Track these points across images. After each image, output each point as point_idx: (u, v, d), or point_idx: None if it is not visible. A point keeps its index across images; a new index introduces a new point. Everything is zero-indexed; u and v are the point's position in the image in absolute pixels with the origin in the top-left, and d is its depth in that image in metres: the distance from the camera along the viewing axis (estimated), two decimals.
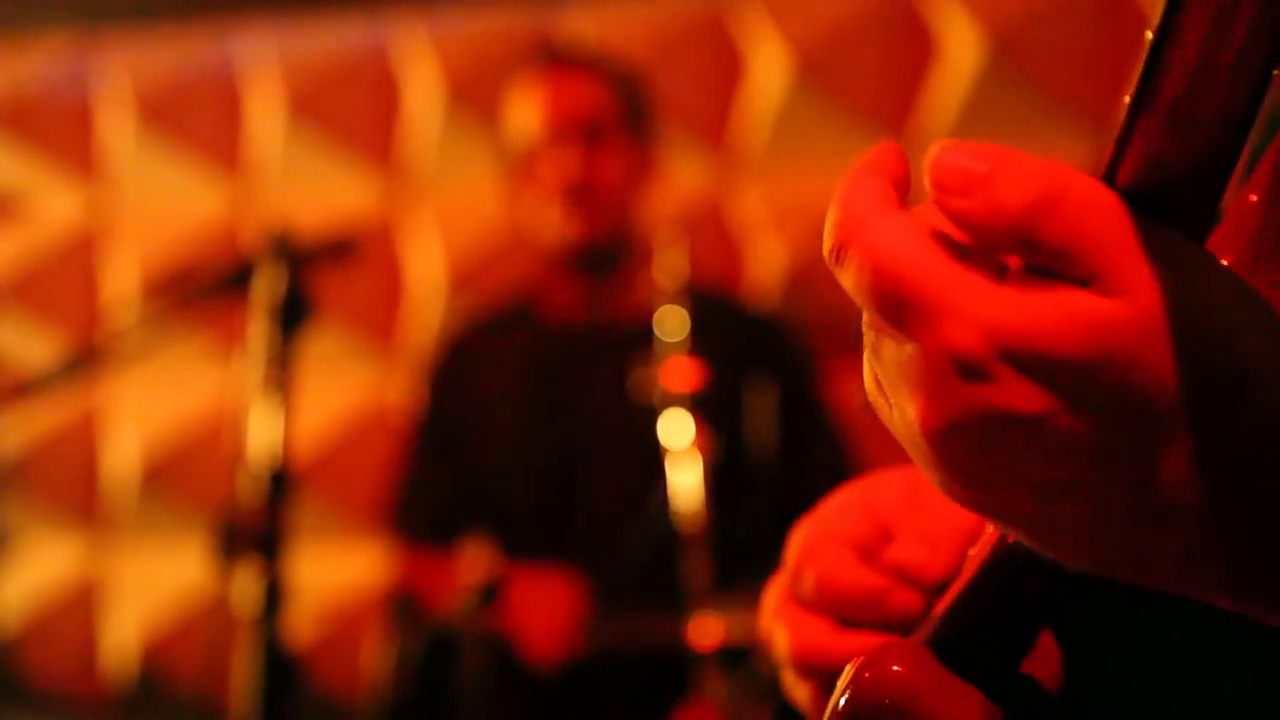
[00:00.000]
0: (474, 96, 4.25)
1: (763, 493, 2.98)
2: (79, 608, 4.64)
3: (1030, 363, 0.59)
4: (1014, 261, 0.62)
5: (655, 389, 2.78)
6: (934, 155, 0.62)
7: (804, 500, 0.97)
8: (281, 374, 2.53)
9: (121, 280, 4.61)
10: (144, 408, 4.59)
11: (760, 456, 3.01)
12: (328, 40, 4.44)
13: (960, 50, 3.80)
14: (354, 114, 4.43)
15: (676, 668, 2.75)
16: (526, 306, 3.28)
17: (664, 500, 2.74)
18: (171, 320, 3.05)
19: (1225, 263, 0.67)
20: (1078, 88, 3.67)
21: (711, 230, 3.99)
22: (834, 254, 0.64)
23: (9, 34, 4.74)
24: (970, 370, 0.60)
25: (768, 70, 3.98)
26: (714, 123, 4.03)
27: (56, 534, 4.69)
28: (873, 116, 3.88)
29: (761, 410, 3.02)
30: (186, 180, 4.57)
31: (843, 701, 0.71)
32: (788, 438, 3.02)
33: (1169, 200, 0.60)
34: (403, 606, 3.15)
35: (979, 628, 0.72)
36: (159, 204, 4.60)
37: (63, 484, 4.70)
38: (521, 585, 2.94)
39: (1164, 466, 0.60)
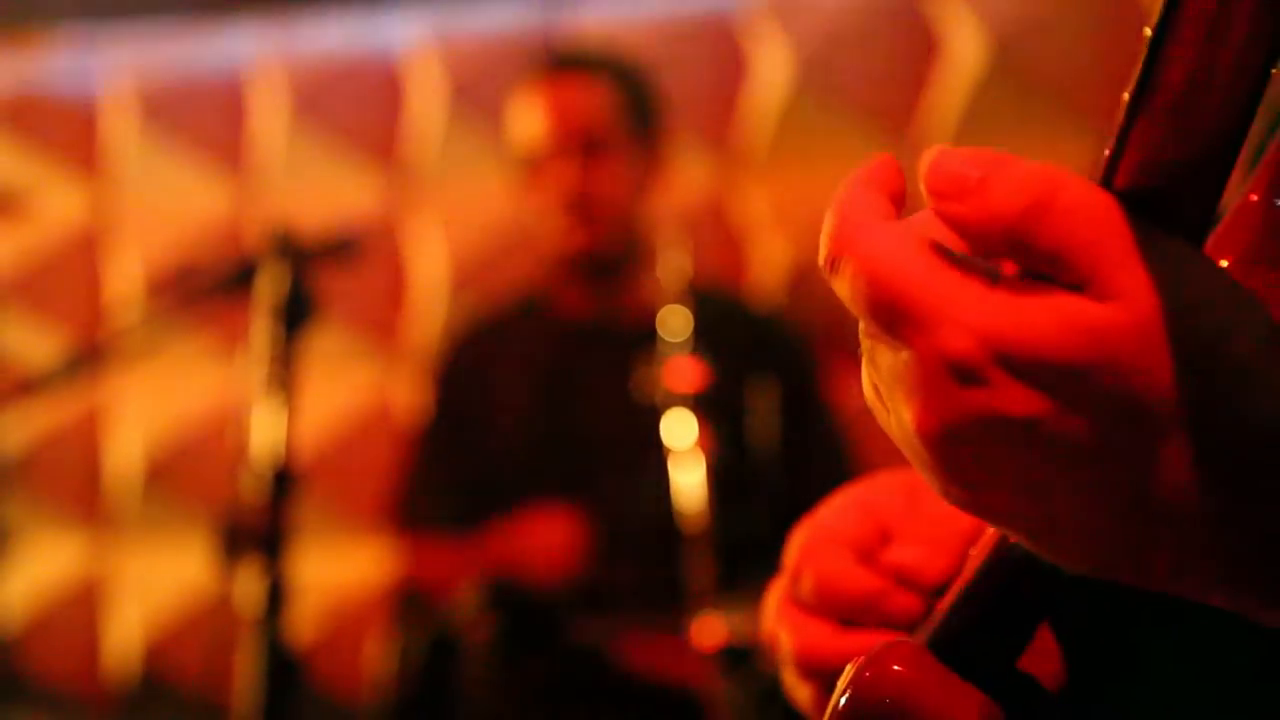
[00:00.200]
0: (477, 96, 4.25)
1: (765, 492, 2.98)
2: (81, 606, 4.64)
3: (1025, 367, 0.60)
4: (1008, 267, 0.62)
5: (658, 389, 2.79)
6: (928, 161, 0.62)
7: (806, 500, 0.97)
8: (284, 373, 2.53)
9: (124, 278, 4.62)
10: (147, 406, 4.59)
11: (763, 456, 3.01)
12: (331, 39, 4.45)
13: (963, 51, 3.80)
14: (357, 113, 4.43)
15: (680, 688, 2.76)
16: (534, 304, 3.28)
17: (665, 494, 2.75)
18: (174, 319, 3.05)
19: (1225, 263, 0.67)
20: (1081, 89, 3.66)
21: (714, 230, 3.99)
22: (829, 264, 0.65)
23: (12, 32, 4.74)
24: (965, 375, 0.60)
25: (771, 70, 3.98)
26: (717, 122, 4.03)
27: (59, 532, 4.69)
28: (876, 117, 3.88)
29: (764, 410, 3.02)
30: (190, 179, 4.58)
31: (843, 701, 0.71)
32: (790, 437, 3.03)
33: (1168, 200, 0.60)
34: (406, 604, 3.15)
35: (979, 628, 0.72)
36: (162, 202, 4.61)
37: (65, 482, 4.70)
38: (521, 518, 2.97)
39: (1160, 469, 0.60)
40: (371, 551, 4.03)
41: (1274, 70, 0.57)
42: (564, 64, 3.28)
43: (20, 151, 4.77)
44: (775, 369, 3.08)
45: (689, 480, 2.73)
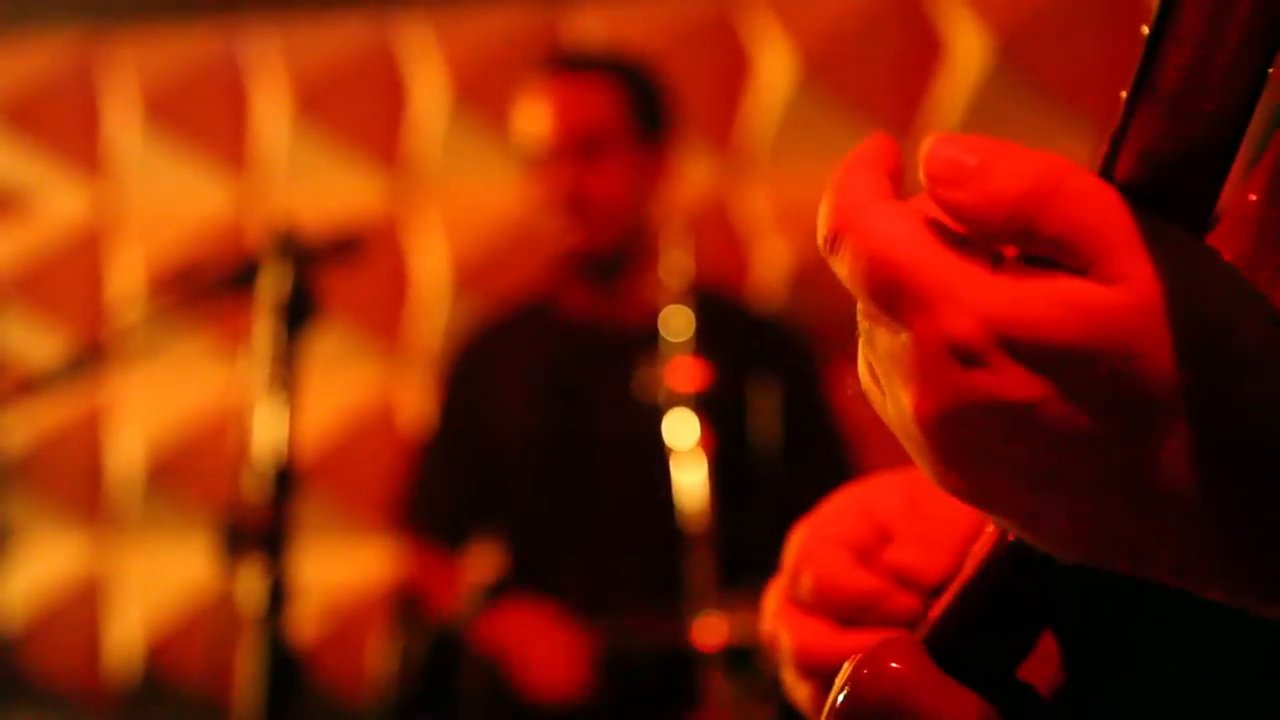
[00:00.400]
0: (480, 94, 4.25)
1: (766, 492, 2.98)
2: (83, 605, 4.64)
3: (1027, 350, 0.59)
4: (1009, 252, 0.62)
5: (660, 388, 2.79)
6: (927, 147, 0.62)
7: (808, 500, 0.97)
8: (286, 372, 2.53)
9: (127, 277, 4.62)
10: (149, 405, 4.59)
11: (765, 456, 3.01)
12: (334, 37, 4.45)
13: (967, 50, 3.80)
14: (360, 111, 4.43)
15: (682, 671, 2.75)
16: (540, 305, 3.28)
17: (667, 494, 2.75)
18: (177, 318, 3.05)
19: None
20: (1084, 88, 3.66)
21: (717, 230, 3.99)
22: (828, 242, 0.64)
23: (15, 31, 4.74)
24: (966, 357, 0.60)
25: (774, 70, 3.98)
26: (720, 122, 4.03)
27: (61, 531, 4.69)
28: (879, 117, 3.87)
29: (766, 410, 3.02)
30: (192, 177, 4.58)
31: (841, 698, 0.71)
32: (792, 438, 3.03)
33: (1165, 195, 0.60)
34: (408, 605, 3.15)
35: (977, 626, 0.72)
36: (165, 201, 4.61)
37: (67, 481, 4.70)
38: (525, 625, 2.94)
39: (1161, 455, 0.59)
40: (373, 551, 4.03)
41: (1272, 70, 0.57)
42: (568, 64, 3.28)
43: (23, 150, 4.77)
44: (777, 369, 3.08)
45: (690, 480, 2.73)
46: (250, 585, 2.45)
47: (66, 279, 4.72)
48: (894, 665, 0.70)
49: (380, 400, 4.36)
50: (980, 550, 0.73)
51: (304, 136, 4.44)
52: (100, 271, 4.68)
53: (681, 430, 2.75)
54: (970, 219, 0.61)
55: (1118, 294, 0.59)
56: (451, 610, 2.99)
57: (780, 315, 3.44)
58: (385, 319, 4.34)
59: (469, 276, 4.27)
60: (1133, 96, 0.59)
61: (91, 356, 3.36)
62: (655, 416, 2.79)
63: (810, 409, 3.11)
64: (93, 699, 4.63)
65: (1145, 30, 0.57)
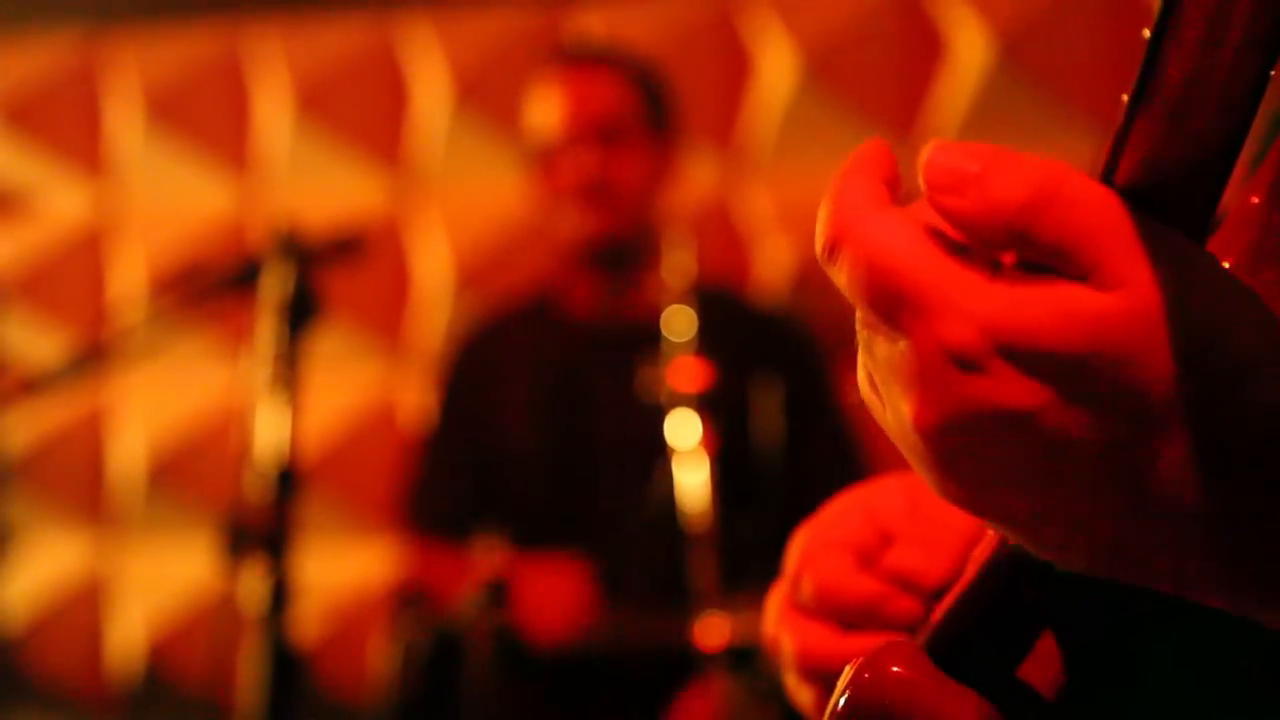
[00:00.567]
0: (482, 94, 4.26)
1: (769, 492, 2.98)
2: (85, 605, 4.64)
3: (1026, 357, 0.59)
4: (1008, 258, 0.62)
5: (663, 388, 2.79)
6: (926, 155, 0.62)
7: (811, 500, 0.97)
8: (289, 372, 2.53)
9: (128, 277, 4.62)
10: (151, 405, 4.59)
11: (767, 456, 3.01)
12: (335, 37, 4.45)
13: (969, 50, 3.80)
14: (362, 111, 4.43)
15: (682, 667, 2.75)
16: (545, 302, 3.28)
17: (668, 495, 2.75)
18: (178, 317, 3.05)
19: (1226, 265, 0.67)
20: (1087, 88, 3.66)
21: (719, 229, 3.99)
22: (826, 251, 0.64)
23: (16, 30, 4.74)
24: (965, 364, 0.60)
25: (776, 69, 3.98)
26: (721, 122, 4.03)
27: (63, 531, 4.69)
28: (881, 116, 3.87)
29: (768, 409, 3.02)
30: (194, 177, 4.58)
31: (842, 702, 0.71)
32: (794, 437, 3.03)
33: (1166, 199, 0.60)
34: (410, 603, 3.15)
35: (978, 631, 0.72)
36: (166, 201, 4.61)
37: (69, 481, 4.70)
38: (527, 572, 2.95)
39: (1160, 461, 0.59)
40: (375, 551, 4.04)
41: (1273, 72, 0.57)
42: (582, 56, 3.29)
43: (24, 150, 4.77)
44: (779, 369, 3.08)
45: (693, 480, 2.73)
46: (252, 585, 2.45)
47: (68, 279, 4.72)
48: (895, 670, 0.70)
49: (382, 400, 4.36)
50: (982, 554, 0.73)
51: (305, 136, 4.44)
52: (102, 271, 4.68)
53: (684, 430, 2.75)
54: (969, 226, 0.61)
55: (1116, 301, 0.59)
56: (453, 606, 2.99)
57: (782, 314, 3.44)
58: (387, 319, 4.34)
59: (470, 276, 4.27)
60: (1134, 100, 0.58)
61: (93, 356, 3.36)
62: (658, 416, 2.79)
63: (813, 408, 3.11)
64: (94, 699, 4.63)
65: (1146, 34, 0.57)
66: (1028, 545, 0.65)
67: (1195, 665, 0.72)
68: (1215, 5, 0.55)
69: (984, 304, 0.60)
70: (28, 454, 4.73)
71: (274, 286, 2.55)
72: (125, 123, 4.65)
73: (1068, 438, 0.59)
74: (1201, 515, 0.60)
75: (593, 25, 4.18)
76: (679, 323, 2.82)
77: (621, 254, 3.13)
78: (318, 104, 4.44)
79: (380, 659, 3.16)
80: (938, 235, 0.62)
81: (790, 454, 3.01)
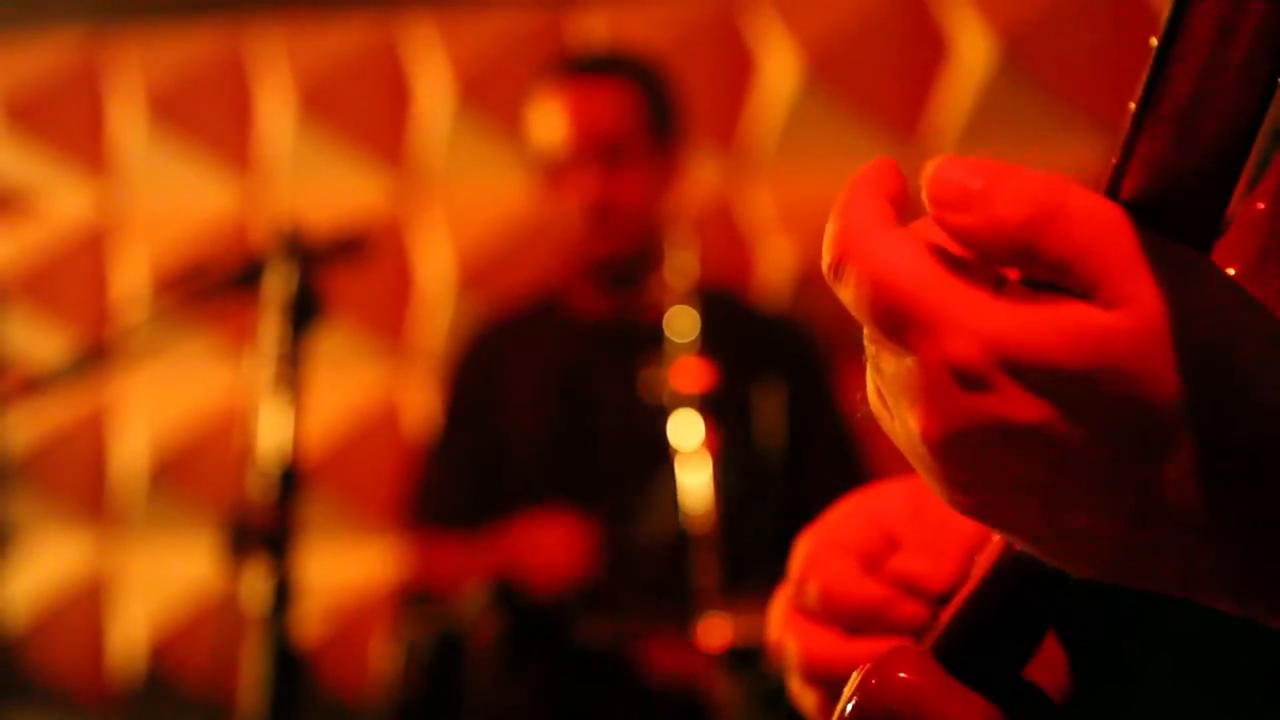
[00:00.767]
0: (485, 94, 4.26)
1: (772, 493, 2.98)
2: (87, 604, 4.64)
3: (1030, 373, 0.59)
4: (1013, 274, 0.62)
5: (666, 389, 2.79)
6: (931, 171, 0.62)
7: (813, 501, 0.97)
8: (291, 371, 2.53)
9: (131, 277, 4.62)
10: (153, 405, 4.59)
11: (769, 457, 3.01)
12: (338, 37, 4.45)
13: (972, 52, 3.80)
14: (364, 111, 4.43)
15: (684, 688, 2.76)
16: (549, 303, 3.28)
17: (672, 495, 2.75)
18: (181, 317, 3.06)
19: (1231, 271, 0.67)
20: (1090, 90, 3.66)
21: (721, 230, 3.99)
22: (832, 269, 0.65)
23: (19, 30, 4.74)
24: (970, 381, 0.60)
25: (778, 70, 3.98)
26: (724, 123, 4.03)
27: (65, 530, 4.69)
28: (884, 117, 3.87)
29: (771, 411, 3.02)
30: (197, 177, 4.58)
31: (849, 707, 0.71)
32: (797, 438, 3.03)
33: (1174, 209, 0.60)
34: (412, 603, 3.15)
35: (984, 635, 0.72)
36: (169, 201, 4.61)
37: (71, 480, 4.71)
38: (526, 522, 2.96)
39: (1166, 474, 0.60)
40: (377, 551, 4.04)
41: None
42: (585, 67, 3.25)
43: (27, 149, 4.77)
44: (782, 370, 3.08)
45: (696, 481, 2.73)
46: (255, 585, 2.46)
47: (71, 278, 4.73)
48: (902, 675, 0.70)
49: (385, 400, 4.36)
50: (987, 559, 0.73)
51: (308, 136, 4.44)
52: (105, 271, 4.68)
53: (687, 431, 2.75)
54: (973, 243, 0.61)
55: (1119, 318, 0.59)
56: (457, 601, 2.99)
57: (786, 315, 3.44)
58: (390, 319, 4.34)
59: (473, 276, 4.27)
60: (1139, 111, 0.59)
61: (96, 356, 3.36)
62: (661, 417, 2.79)
63: (816, 409, 3.11)
64: (96, 698, 4.64)
65: (1154, 43, 0.57)
66: (1035, 554, 0.65)
67: (1198, 666, 0.73)
68: (1224, 15, 0.55)
69: (988, 321, 0.60)
70: (30, 453, 4.73)
71: (276, 286, 2.55)
72: (128, 122, 4.65)
73: (1073, 452, 0.60)
74: (1209, 524, 0.60)
75: (595, 25, 4.18)
76: (681, 323, 2.82)
77: (626, 270, 3.13)
78: (320, 104, 4.45)
79: (382, 659, 3.16)
80: (942, 252, 0.62)
81: (792, 455, 3.01)
